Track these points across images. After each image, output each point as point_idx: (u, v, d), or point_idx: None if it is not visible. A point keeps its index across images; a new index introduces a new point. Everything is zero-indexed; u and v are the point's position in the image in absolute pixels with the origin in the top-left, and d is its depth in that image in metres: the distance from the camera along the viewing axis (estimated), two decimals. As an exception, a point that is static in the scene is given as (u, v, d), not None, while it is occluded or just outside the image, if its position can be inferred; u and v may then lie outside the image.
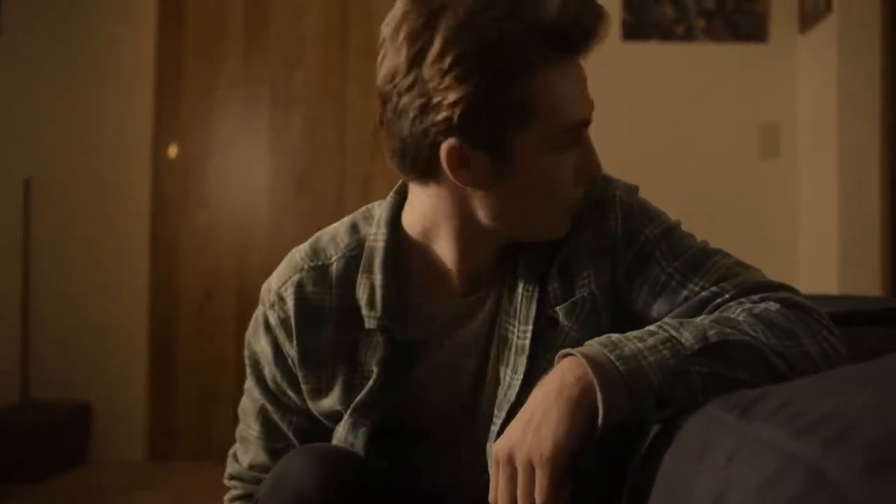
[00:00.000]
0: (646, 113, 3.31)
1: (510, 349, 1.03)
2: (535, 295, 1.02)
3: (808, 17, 3.18)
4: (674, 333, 0.88)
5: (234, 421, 1.23)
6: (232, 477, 1.21)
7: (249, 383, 1.14)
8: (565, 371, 0.86)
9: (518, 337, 1.03)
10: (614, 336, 0.89)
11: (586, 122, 0.98)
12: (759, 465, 0.62)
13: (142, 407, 3.47)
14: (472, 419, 1.07)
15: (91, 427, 3.45)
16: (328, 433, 1.10)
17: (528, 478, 0.83)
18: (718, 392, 0.82)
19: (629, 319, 1.02)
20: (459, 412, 1.08)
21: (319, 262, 1.06)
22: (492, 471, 0.87)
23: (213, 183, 3.48)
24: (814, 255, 3.16)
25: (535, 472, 0.83)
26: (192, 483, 3.14)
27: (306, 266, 1.07)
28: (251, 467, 1.18)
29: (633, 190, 1.08)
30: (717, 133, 3.29)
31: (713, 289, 0.98)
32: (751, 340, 0.88)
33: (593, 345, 0.88)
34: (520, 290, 1.03)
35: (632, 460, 0.97)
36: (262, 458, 1.16)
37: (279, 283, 1.08)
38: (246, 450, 1.18)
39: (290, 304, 1.06)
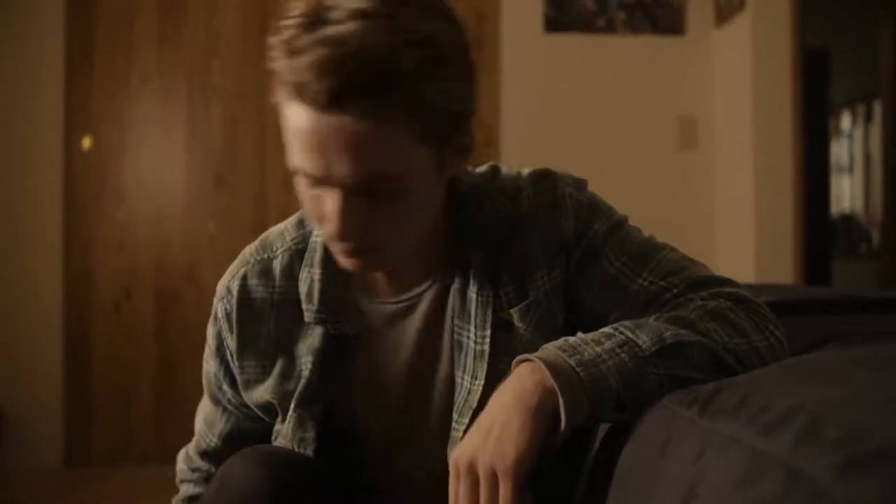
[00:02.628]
0: (567, 103, 3.34)
1: (466, 354, 1.02)
2: (490, 299, 1.01)
3: (724, 12, 3.26)
4: (630, 336, 0.88)
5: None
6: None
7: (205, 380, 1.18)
8: (524, 377, 0.86)
9: (475, 342, 1.02)
10: (571, 340, 0.89)
11: (313, 177, 0.87)
12: (730, 464, 0.62)
13: (57, 411, 3.34)
14: (419, 422, 1.07)
15: (1, 434, 3.31)
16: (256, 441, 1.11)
17: (491, 487, 0.82)
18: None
19: (583, 317, 1.03)
20: (401, 413, 1.07)
21: (265, 256, 1.08)
22: (452, 478, 0.86)
23: (129, 178, 3.37)
24: (731, 245, 3.24)
25: (497, 481, 0.82)
26: (111, 488, 3.04)
27: (252, 260, 1.09)
28: (189, 454, 1.22)
29: (583, 185, 1.07)
30: (636, 124, 3.35)
31: (661, 283, 0.99)
32: (704, 340, 0.89)
33: (551, 349, 0.88)
34: (472, 293, 1.02)
35: (586, 456, 0.97)
36: (193, 447, 1.21)
37: (228, 277, 1.11)
38: (204, 418, 1.21)
39: (234, 296, 1.08)
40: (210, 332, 1.12)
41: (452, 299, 1.02)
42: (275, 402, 1.07)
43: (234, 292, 1.08)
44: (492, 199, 1.03)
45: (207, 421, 1.19)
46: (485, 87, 3.36)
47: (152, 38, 3.36)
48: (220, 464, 1.13)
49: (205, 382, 1.17)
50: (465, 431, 0.99)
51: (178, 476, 1.25)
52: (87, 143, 3.35)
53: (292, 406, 1.06)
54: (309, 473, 1.03)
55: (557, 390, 0.83)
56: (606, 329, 0.91)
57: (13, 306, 3.33)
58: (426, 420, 1.06)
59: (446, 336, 1.04)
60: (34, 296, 3.34)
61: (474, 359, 1.01)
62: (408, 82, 0.82)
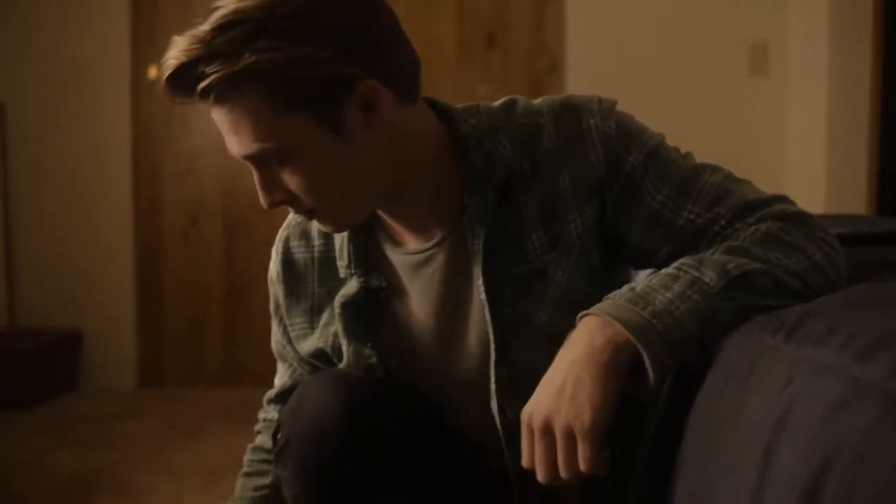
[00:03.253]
0: (634, 28, 3.26)
1: (494, 304, 1.02)
2: (523, 246, 1.01)
3: (801, -69, 3.13)
4: (696, 274, 0.87)
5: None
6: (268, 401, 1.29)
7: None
8: (593, 333, 0.84)
9: (501, 291, 1.02)
10: (638, 289, 0.87)
11: (241, 156, 0.95)
12: (823, 391, 0.62)
13: (131, 334, 3.46)
14: (455, 373, 1.08)
15: (80, 354, 3.45)
16: None
17: (569, 447, 0.82)
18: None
19: (628, 252, 1.02)
20: (435, 364, 1.09)
21: (302, 218, 1.12)
22: (525, 437, 0.86)
23: (196, 107, 3.40)
24: (801, 175, 3.17)
25: (575, 441, 0.82)
26: (183, 409, 3.16)
27: (294, 222, 1.15)
28: (268, 397, 1.29)
29: (609, 110, 1.02)
30: (705, 49, 3.27)
31: (708, 215, 0.96)
32: (765, 267, 0.88)
33: (620, 302, 0.86)
34: (498, 243, 1.01)
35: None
36: (273, 390, 1.28)
37: (276, 241, 1.17)
38: (277, 373, 1.28)
39: (280, 258, 1.15)
40: (270, 293, 1.19)
41: (473, 251, 1.01)
42: (326, 348, 1.12)
43: (280, 254, 1.15)
44: (495, 140, 1.01)
45: (278, 374, 1.27)
46: (550, 13, 3.30)
47: (216, -36, 3.35)
48: (279, 411, 1.21)
49: (273, 342, 1.24)
50: (502, 383, 1.02)
51: (255, 427, 1.31)
52: (153, 72, 3.38)
53: (344, 343, 1.09)
54: (379, 393, 1.06)
55: (639, 347, 0.82)
56: (669, 270, 0.89)
57: (87, 234, 3.43)
58: (462, 371, 1.08)
59: (474, 288, 1.04)
60: (106, 223, 3.43)
61: (501, 308, 1.01)
62: (227, 64, 0.88)
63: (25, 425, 2.95)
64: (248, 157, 0.95)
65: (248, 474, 1.26)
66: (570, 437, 0.82)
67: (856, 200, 2.93)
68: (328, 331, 1.12)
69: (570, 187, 0.99)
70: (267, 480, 1.24)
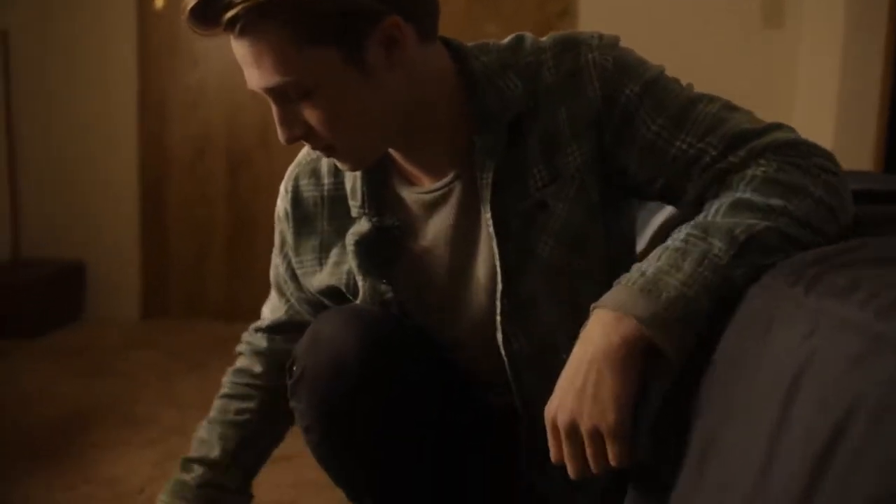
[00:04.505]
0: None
1: (502, 239, 1.03)
2: (526, 181, 1.02)
3: None
4: (705, 247, 0.86)
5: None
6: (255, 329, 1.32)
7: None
8: (609, 332, 0.84)
9: (508, 225, 1.03)
10: (649, 272, 0.86)
11: (262, 89, 0.96)
12: (844, 344, 0.64)
13: (135, 265, 3.47)
14: (465, 309, 1.10)
15: (85, 285, 3.46)
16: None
17: (598, 447, 0.83)
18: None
19: (627, 182, 1.02)
20: (447, 303, 1.11)
21: (314, 156, 1.13)
22: (551, 439, 0.87)
23: (202, 39, 3.36)
24: (809, 130, 3.15)
25: (603, 440, 0.83)
26: (187, 340, 3.18)
27: (304, 160, 1.15)
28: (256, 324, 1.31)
29: (610, 45, 1.02)
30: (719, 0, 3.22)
31: (700, 145, 0.96)
32: (771, 223, 0.87)
33: (633, 290, 0.85)
34: (506, 178, 1.02)
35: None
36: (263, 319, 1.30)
37: (285, 179, 1.17)
38: (269, 304, 1.30)
39: (289, 196, 1.15)
40: (276, 230, 1.20)
41: (481, 186, 1.02)
42: (340, 285, 1.13)
43: (289, 192, 1.15)
44: (506, 78, 1.01)
45: (271, 306, 1.28)
46: (565, -46, 3.25)
47: None
48: (269, 340, 1.26)
49: (272, 275, 1.24)
50: (506, 314, 1.05)
51: (237, 348, 1.33)
52: (160, 2, 3.34)
53: (360, 279, 1.10)
54: (398, 331, 1.08)
55: (658, 341, 0.82)
56: (677, 243, 0.88)
57: (92, 165, 3.42)
58: (472, 305, 1.09)
59: (482, 223, 1.05)
60: (112, 155, 3.41)
61: (507, 241, 1.03)
62: None
63: (29, 356, 2.98)
64: (269, 91, 0.95)
65: (229, 395, 1.28)
66: (598, 436, 0.83)
67: (863, 157, 2.93)
68: (340, 269, 1.12)
69: (567, 122, 1.00)
70: (251, 405, 1.26)
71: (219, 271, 3.45)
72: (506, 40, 1.06)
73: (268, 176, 3.29)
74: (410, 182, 1.08)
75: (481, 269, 1.07)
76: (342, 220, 1.11)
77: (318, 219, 1.14)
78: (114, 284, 3.47)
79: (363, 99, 0.95)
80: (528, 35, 1.06)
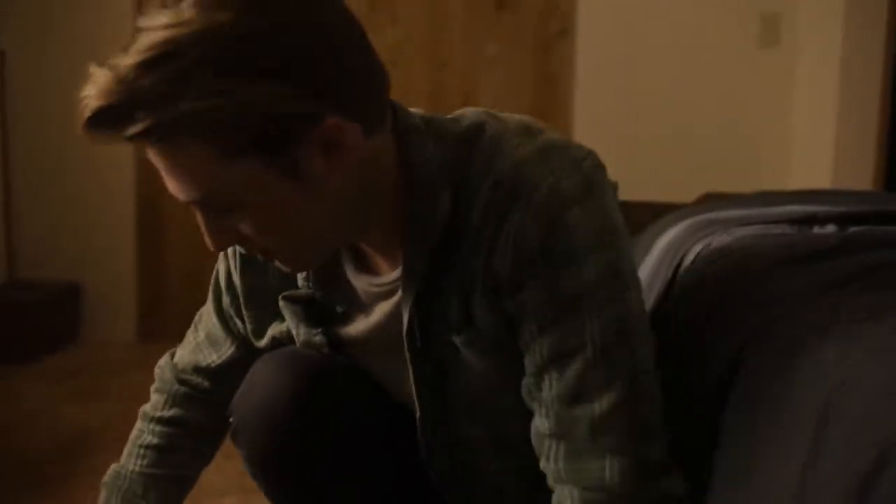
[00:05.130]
0: (646, -3, 3.23)
1: (418, 364, 0.95)
2: (447, 312, 0.91)
3: None
4: None
5: None
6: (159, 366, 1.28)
7: (209, 297, 1.18)
8: None
9: (428, 352, 0.94)
10: None
11: (185, 202, 0.82)
12: (877, 372, 0.63)
13: (132, 286, 3.45)
14: (400, 389, 1.04)
15: (81, 307, 3.44)
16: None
17: None
18: None
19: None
20: (384, 380, 1.06)
21: None
22: None
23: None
24: (807, 148, 3.17)
25: None
26: (184, 363, 3.15)
27: None
28: (178, 365, 1.24)
29: (566, 200, 0.82)
30: (716, 17, 3.23)
31: (553, 427, 0.86)
32: None
33: None
34: (429, 301, 0.91)
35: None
36: (187, 360, 1.23)
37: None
38: (184, 345, 1.25)
39: (238, 258, 1.07)
40: (221, 264, 1.10)
41: (403, 307, 0.92)
42: (282, 337, 1.07)
43: (237, 253, 1.06)
44: (441, 190, 0.86)
45: (211, 338, 1.18)
46: (562, -25, 3.26)
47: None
48: (213, 385, 1.19)
49: (212, 303, 1.16)
50: (425, 431, 1.00)
51: (157, 381, 1.26)
52: (158, 22, 3.33)
53: (293, 328, 1.04)
54: (331, 375, 1.03)
55: None
56: None
57: (88, 187, 3.40)
58: (402, 394, 1.03)
59: (415, 334, 0.94)
60: (107, 176, 3.39)
61: (426, 365, 0.95)
62: (156, 112, 0.73)
63: (26, 379, 2.94)
64: (190, 202, 0.81)
65: (160, 448, 1.22)
66: None
67: (863, 176, 2.93)
68: (281, 326, 1.07)
69: (480, 273, 0.86)
70: (187, 457, 1.22)
71: (217, 292, 3.42)
72: (464, 125, 0.90)
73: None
74: (365, 268, 0.98)
75: (407, 387, 1.00)
76: (289, 280, 1.03)
77: (268, 274, 1.04)
78: (110, 306, 3.45)
79: (300, 208, 0.81)
80: (490, 126, 0.89)
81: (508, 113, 0.94)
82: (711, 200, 1.92)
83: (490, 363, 0.91)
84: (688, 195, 2.44)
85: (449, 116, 0.93)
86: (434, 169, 0.87)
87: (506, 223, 0.83)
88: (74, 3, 3.31)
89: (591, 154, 0.87)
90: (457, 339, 0.91)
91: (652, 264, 1.41)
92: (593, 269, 0.82)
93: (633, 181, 2.26)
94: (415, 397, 0.97)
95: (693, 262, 1.16)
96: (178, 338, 3.42)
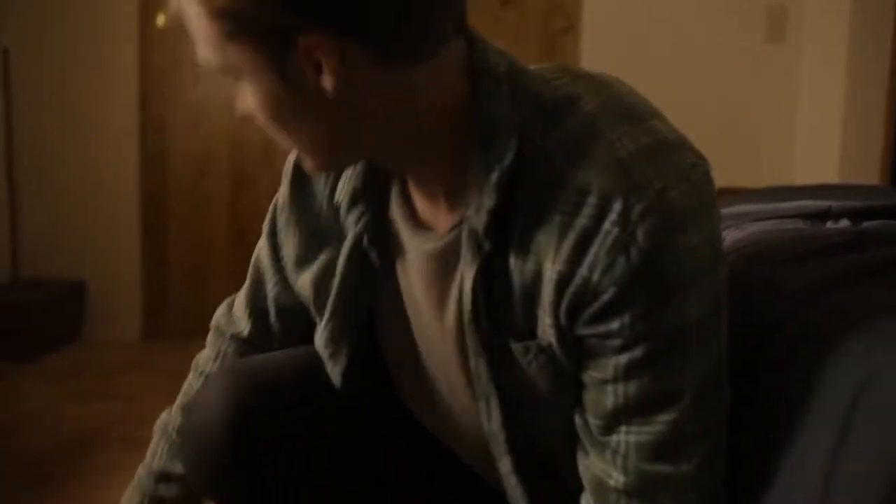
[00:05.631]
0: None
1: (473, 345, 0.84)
2: (510, 311, 0.80)
3: None
4: None
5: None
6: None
7: (265, 224, 1.10)
8: None
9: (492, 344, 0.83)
10: None
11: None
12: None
13: (136, 285, 3.43)
14: (437, 375, 0.93)
15: (85, 305, 3.43)
16: (306, 321, 1.04)
17: None
18: None
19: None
20: (417, 357, 0.95)
21: None
22: None
23: (204, 57, 3.34)
24: (813, 144, 3.15)
25: None
26: (187, 362, 3.12)
27: None
28: (230, 313, 1.17)
29: (694, 202, 0.71)
30: (722, 13, 3.22)
31: (630, 484, 0.76)
32: None
33: None
34: (491, 284, 0.79)
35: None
36: (240, 307, 1.14)
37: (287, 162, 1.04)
38: (239, 294, 1.17)
39: (291, 166, 1.01)
40: (281, 189, 1.04)
41: (466, 268, 0.80)
42: (312, 296, 0.99)
43: (292, 163, 1.01)
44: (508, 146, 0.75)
45: (258, 272, 1.10)
46: (567, -29, 3.24)
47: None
48: (260, 333, 1.11)
49: (261, 240, 1.08)
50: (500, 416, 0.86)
51: (211, 332, 1.20)
52: (161, 19, 3.32)
53: (327, 314, 0.96)
54: (288, 399, 0.99)
55: None
56: None
57: (92, 185, 3.39)
58: (442, 380, 0.93)
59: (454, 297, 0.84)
60: (112, 173, 3.39)
61: (478, 368, 0.84)
62: None
63: (29, 378, 2.93)
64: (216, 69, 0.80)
65: (185, 392, 1.20)
66: None
67: (870, 170, 2.92)
68: (323, 284, 0.97)
69: (554, 284, 0.75)
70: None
71: (220, 292, 3.38)
72: (559, 93, 0.79)
73: (270, 196, 3.21)
74: (414, 218, 0.88)
75: (451, 352, 0.88)
76: (338, 220, 0.95)
77: (318, 207, 0.97)
78: (114, 305, 3.43)
79: (296, 108, 0.78)
80: (586, 102, 0.78)
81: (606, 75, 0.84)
82: (722, 195, 1.90)
83: (543, 383, 0.80)
84: (695, 191, 2.42)
85: (546, 73, 0.82)
86: (508, 123, 0.76)
87: (597, 233, 0.71)
88: (81, 3, 3.30)
89: (701, 160, 0.76)
90: (514, 346, 0.79)
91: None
92: (698, 302, 0.71)
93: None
94: (474, 377, 0.84)
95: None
96: (182, 337, 3.43)
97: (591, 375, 0.76)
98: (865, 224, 1.20)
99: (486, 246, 0.77)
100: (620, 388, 0.73)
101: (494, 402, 0.84)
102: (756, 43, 3.22)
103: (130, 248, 3.42)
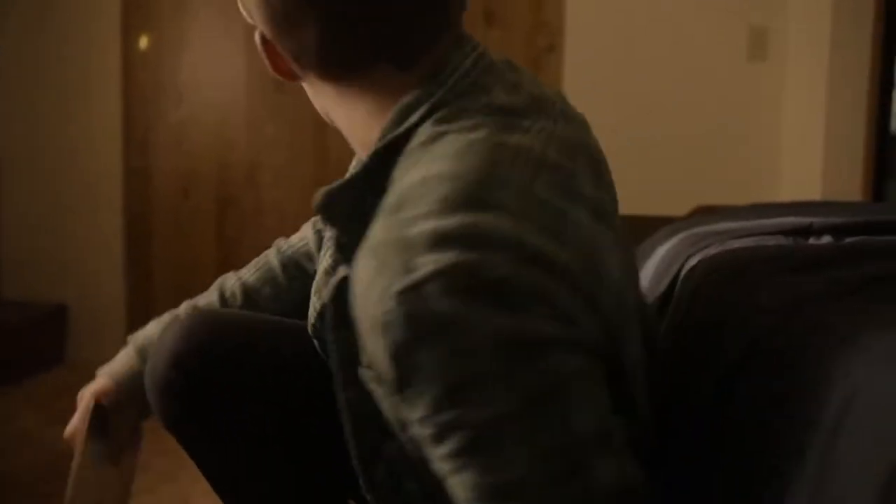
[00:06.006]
0: (634, 9, 3.24)
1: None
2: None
3: (803, -84, 3.11)
4: None
5: None
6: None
7: None
8: None
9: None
10: None
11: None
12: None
13: (119, 307, 3.41)
14: None
15: (67, 328, 3.40)
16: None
17: None
18: None
19: None
20: None
21: None
22: None
23: (188, 77, 3.34)
24: (796, 162, 3.17)
25: None
26: (173, 383, 3.11)
27: None
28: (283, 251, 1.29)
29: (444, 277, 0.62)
30: (705, 32, 3.25)
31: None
32: None
33: None
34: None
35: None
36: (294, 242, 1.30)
37: None
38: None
39: None
40: None
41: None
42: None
43: None
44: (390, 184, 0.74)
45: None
46: (551, -10, 3.27)
47: (211, -67, 3.29)
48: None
49: None
50: None
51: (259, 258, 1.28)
52: (144, 42, 3.32)
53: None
54: (249, 343, 1.02)
55: None
56: None
57: (75, 204, 3.37)
58: None
59: None
60: (95, 194, 3.37)
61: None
62: None
63: (12, 401, 2.90)
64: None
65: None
66: None
67: (853, 188, 2.94)
68: None
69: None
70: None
71: (205, 311, 3.39)
72: (454, 147, 0.72)
73: (255, 215, 3.25)
74: None
75: None
76: None
77: None
78: (97, 327, 3.41)
79: (299, 82, 0.88)
80: (455, 126, 0.75)
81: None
82: (705, 213, 1.91)
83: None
84: (680, 208, 2.43)
85: (502, 96, 0.79)
86: (383, 152, 0.77)
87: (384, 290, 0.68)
88: (64, 24, 3.30)
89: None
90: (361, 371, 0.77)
91: (648, 277, 1.40)
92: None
93: (625, 195, 2.25)
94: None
95: (690, 273, 1.15)
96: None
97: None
98: (847, 240, 1.21)
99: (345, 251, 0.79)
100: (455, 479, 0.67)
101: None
102: (739, 62, 3.24)
103: (114, 268, 3.40)
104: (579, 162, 0.76)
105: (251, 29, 3.31)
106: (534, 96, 0.80)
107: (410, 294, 0.61)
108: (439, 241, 0.62)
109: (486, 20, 3.25)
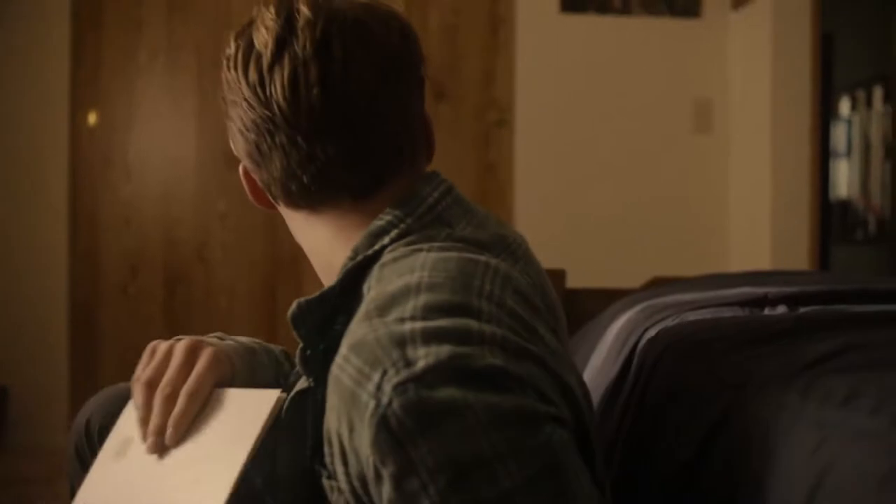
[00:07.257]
0: (582, 84, 3.31)
1: None
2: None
3: (741, -6, 3.23)
4: None
5: None
6: None
7: None
8: None
9: None
10: None
11: None
12: (864, 458, 0.60)
13: (63, 391, 3.30)
14: None
15: (7, 412, 3.27)
16: None
17: None
18: None
19: None
20: None
21: None
22: None
23: (137, 155, 3.31)
24: (745, 229, 3.23)
25: None
26: (118, 468, 3.00)
27: None
28: None
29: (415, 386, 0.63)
30: (651, 106, 3.33)
31: None
32: None
33: None
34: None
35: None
36: None
37: None
38: None
39: None
40: None
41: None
42: None
43: None
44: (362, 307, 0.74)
45: None
46: (500, 67, 3.32)
47: (161, 11, 3.30)
48: None
49: None
50: None
51: None
52: (93, 118, 3.29)
53: None
54: None
55: None
56: None
57: (19, 285, 3.28)
58: None
59: None
60: (40, 274, 3.29)
61: None
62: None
63: (-52, 489, 2.77)
64: None
65: None
66: None
67: (799, 255, 2.99)
68: None
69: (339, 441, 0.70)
70: None
71: (153, 392, 3.29)
72: (409, 273, 0.73)
73: (205, 294, 3.19)
74: None
75: None
76: None
77: None
78: (39, 411, 3.28)
79: (296, 224, 0.93)
80: (427, 245, 0.78)
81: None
82: (660, 285, 1.92)
83: None
84: (634, 280, 2.44)
85: (473, 231, 0.83)
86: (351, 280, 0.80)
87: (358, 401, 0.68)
88: (11, 101, 3.26)
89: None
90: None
91: (605, 350, 1.39)
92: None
93: (578, 268, 2.26)
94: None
95: (649, 346, 1.14)
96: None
97: None
98: (802, 310, 1.21)
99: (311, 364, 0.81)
100: None
101: None
102: (685, 134, 3.32)
103: (58, 350, 3.30)
104: (538, 299, 0.79)
105: (201, 106, 3.31)
106: (499, 235, 0.84)
107: (411, 385, 0.62)
108: (432, 336, 0.65)
109: (436, 96, 3.29)
